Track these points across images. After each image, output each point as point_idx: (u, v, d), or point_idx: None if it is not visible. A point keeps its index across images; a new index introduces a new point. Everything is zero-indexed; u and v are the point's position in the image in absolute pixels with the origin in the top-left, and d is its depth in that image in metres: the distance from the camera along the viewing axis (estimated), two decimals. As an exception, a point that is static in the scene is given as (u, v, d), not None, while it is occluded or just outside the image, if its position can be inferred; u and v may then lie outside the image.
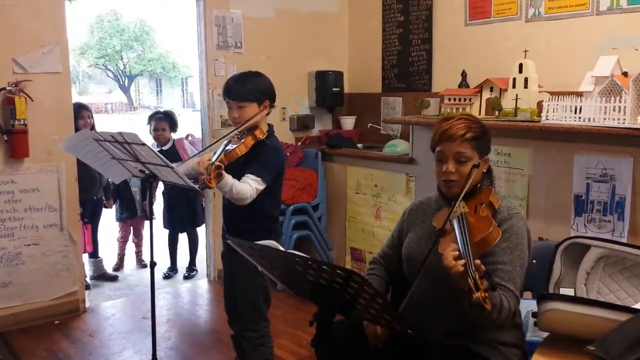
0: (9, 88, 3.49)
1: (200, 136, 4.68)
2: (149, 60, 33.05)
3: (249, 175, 2.41)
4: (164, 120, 4.68)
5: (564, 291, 2.01)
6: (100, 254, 4.84)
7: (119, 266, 5.05)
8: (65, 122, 3.78)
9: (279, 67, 4.53)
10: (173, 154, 4.50)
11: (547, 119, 2.94)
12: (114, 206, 4.86)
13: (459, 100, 3.64)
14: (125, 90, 35.17)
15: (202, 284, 4.69)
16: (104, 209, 4.77)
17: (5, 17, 3.51)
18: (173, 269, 4.94)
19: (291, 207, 4.29)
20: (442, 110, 3.72)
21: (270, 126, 2.57)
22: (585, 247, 2.05)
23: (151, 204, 2.76)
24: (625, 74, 2.82)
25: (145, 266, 5.01)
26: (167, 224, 4.84)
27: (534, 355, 1.67)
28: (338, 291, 1.61)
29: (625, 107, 2.66)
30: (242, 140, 2.44)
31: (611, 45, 3.20)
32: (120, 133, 2.35)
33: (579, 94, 2.90)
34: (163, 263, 4.82)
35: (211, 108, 4.41)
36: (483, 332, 1.86)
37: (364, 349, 1.97)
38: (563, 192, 3.01)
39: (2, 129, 3.52)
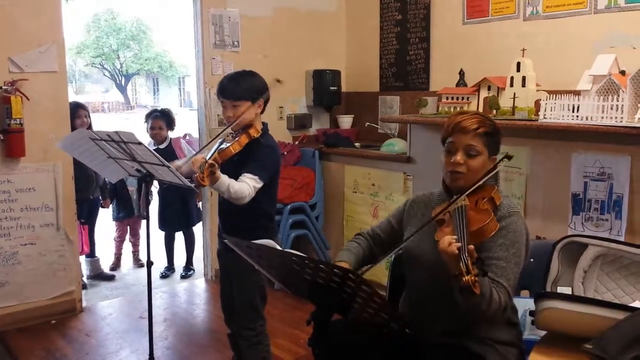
0: (5, 87, 3.48)
1: (198, 135, 4.67)
2: (146, 59, 33.02)
3: (246, 174, 2.41)
4: (160, 119, 4.66)
5: (561, 290, 2.01)
6: (97, 253, 4.82)
7: (116, 266, 5.04)
8: (62, 122, 3.77)
9: (276, 66, 4.53)
10: (170, 153, 4.48)
11: (544, 118, 2.94)
12: (110, 206, 4.85)
13: (457, 99, 3.64)
14: (122, 89, 35.13)
15: (199, 283, 4.69)
16: (100, 209, 4.76)
17: (2, 16, 3.50)
18: (170, 268, 4.92)
19: (289, 206, 4.28)
20: (440, 109, 3.72)
21: (264, 125, 2.58)
22: (582, 245, 2.05)
23: (147, 203, 2.75)
24: (622, 73, 2.82)
25: (142, 266, 5.00)
26: (160, 225, 4.80)
27: (532, 353, 1.67)
28: (335, 290, 1.61)
29: (622, 105, 2.66)
30: (236, 139, 2.45)
31: (609, 44, 3.20)
32: (116, 132, 2.35)
33: (577, 93, 2.90)
34: (160, 262, 4.81)
35: (208, 107, 4.40)
36: (480, 330, 1.86)
37: (361, 348, 1.96)
38: (561, 191, 3.01)
39: (-2, 128, 3.51)
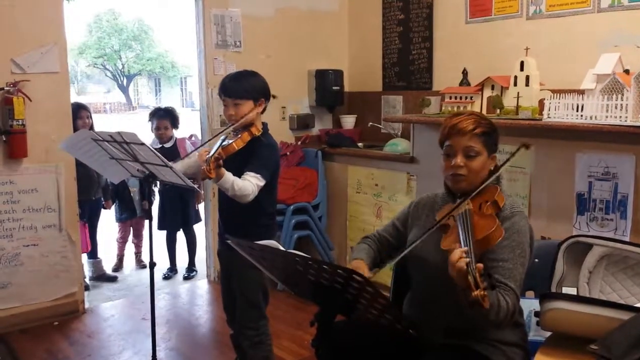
0: (7, 88, 3.48)
1: (201, 137, 4.66)
2: (148, 60, 33.05)
3: (248, 172, 2.44)
4: (165, 118, 4.65)
5: (566, 290, 2.00)
6: (100, 254, 4.82)
7: (119, 267, 5.04)
8: (64, 122, 3.76)
9: (279, 66, 4.52)
10: (174, 152, 4.47)
11: (548, 117, 2.93)
12: (113, 207, 4.84)
13: (460, 98, 3.63)
14: (124, 90, 35.17)
15: (201, 284, 4.68)
16: (102, 210, 4.76)
17: (3, 17, 3.49)
18: (172, 269, 4.92)
19: (291, 207, 4.27)
20: (443, 108, 3.71)
21: (264, 124, 2.61)
22: (587, 245, 2.04)
23: (150, 203, 2.75)
24: (627, 72, 2.81)
25: (144, 267, 4.99)
26: (159, 224, 4.77)
27: (537, 354, 1.66)
28: (339, 291, 1.60)
29: (627, 105, 2.65)
30: (239, 136, 2.47)
31: (613, 43, 3.18)
32: (119, 133, 2.35)
33: (581, 92, 2.89)
34: (163, 264, 4.80)
35: (210, 107, 4.39)
36: (484, 331, 1.85)
37: (365, 350, 1.95)
38: (565, 191, 3.00)
39: (0, 130, 3.50)
